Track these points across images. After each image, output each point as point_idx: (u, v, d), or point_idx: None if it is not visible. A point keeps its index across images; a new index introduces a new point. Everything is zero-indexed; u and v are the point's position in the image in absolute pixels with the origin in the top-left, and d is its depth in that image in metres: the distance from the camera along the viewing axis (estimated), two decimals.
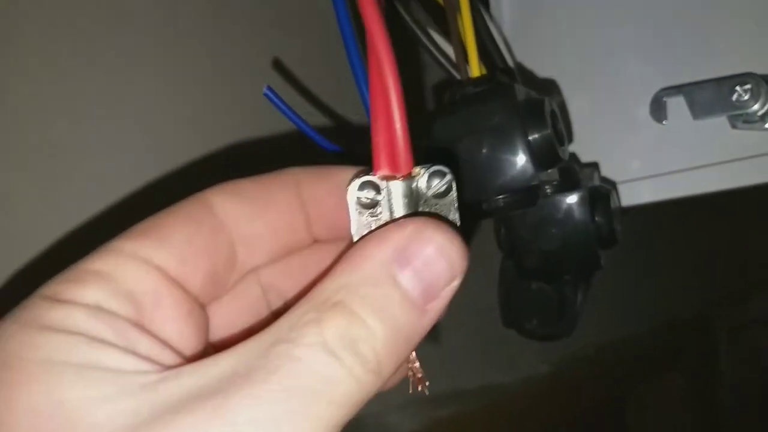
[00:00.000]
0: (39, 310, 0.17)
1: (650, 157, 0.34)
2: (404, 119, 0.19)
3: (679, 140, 0.33)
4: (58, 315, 0.16)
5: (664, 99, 0.33)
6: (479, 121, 0.28)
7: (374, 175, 0.20)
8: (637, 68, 0.35)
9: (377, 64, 0.18)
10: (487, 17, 0.34)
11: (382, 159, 0.19)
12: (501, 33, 0.34)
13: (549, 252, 0.33)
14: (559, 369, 0.67)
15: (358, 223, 0.20)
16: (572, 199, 0.32)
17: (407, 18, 0.34)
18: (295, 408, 0.15)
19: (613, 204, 0.32)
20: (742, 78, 0.30)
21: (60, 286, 0.17)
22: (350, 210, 0.20)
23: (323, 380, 0.16)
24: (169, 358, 0.18)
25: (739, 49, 0.33)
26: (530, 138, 0.27)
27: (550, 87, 0.37)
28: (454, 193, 0.20)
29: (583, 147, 0.36)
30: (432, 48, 0.34)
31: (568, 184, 0.32)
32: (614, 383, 0.75)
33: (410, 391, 0.21)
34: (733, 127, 0.32)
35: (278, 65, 0.40)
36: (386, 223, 0.19)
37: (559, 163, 0.29)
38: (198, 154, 0.37)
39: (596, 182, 0.33)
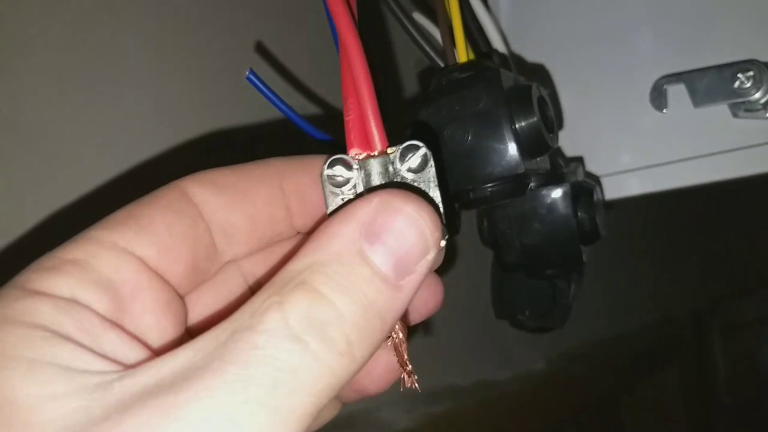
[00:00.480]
0: (6, 300, 0.16)
1: (650, 147, 0.34)
2: (372, 97, 0.18)
3: (679, 129, 0.33)
4: (22, 307, 0.16)
5: (665, 87, 0.32)
6: (465, 107, 0.27)
7: (347, 154, 0.19)
8: (636, 57, 0.35)
9: (342, 43, 0.18)
10: (478, 2, 0.33)
11: (353, 137, 0.19)
12: (494, 17, 0.33)
13: (530, 246, 0.32)
14: (554, 365, 0.67)
15: (333, 204, 0.19)
16: (555, 193, 0.31)
17: (392, 4, 0.33)
18: (253, 401, 0.14)
19: (597, 199, 0.31)
20: (744, 65, 0.30)
21: (33, 274, 0.17)
22: (324, 190, 0.19)
23: (285, 368, 0.14)
24: (137, 355, 0.17)
25: (741, 36, 0.32)
26: (517, 125, 0.27)
27: (540, 73, 0.37)
28: (431, 168, 0.19)
29: (578, 138, 0.36)
30: (417, 34, 0.33)
31: (552, 179, 0.31)
32: (610, 379, 0.75)
33: (401, 389, 0.20)
34: (735, 115, 0.32)
35: (261, 49, 0.39)
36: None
37: (547, 150, 0.29)
38: (177, 141, 0.36)
39: (580, 177, 0.32)
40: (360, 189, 0.19)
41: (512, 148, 0.27)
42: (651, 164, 0.33)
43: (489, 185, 0.27)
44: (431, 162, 0.19)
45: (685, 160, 0.32)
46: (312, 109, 0.42)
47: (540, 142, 0.27)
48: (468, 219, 0.58)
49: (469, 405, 0.57)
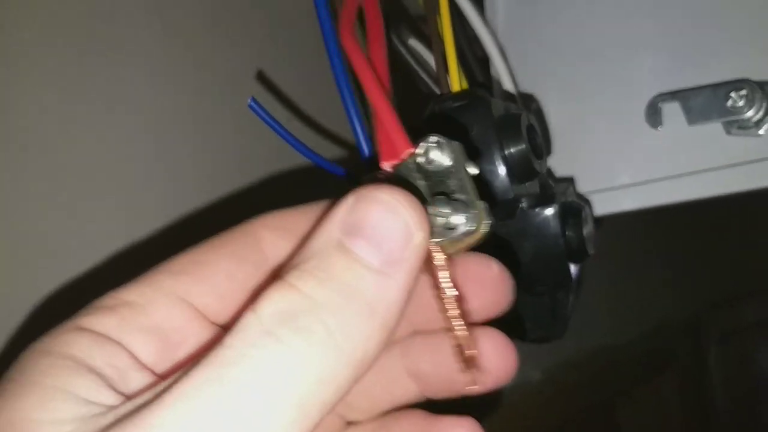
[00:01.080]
0: (56, 333, 0.17)
1: (644, 163, 0.34)
2: (384, 105, 0.20)
3: (673, 146, 0.33)
4: (65, 339, 0.17)
5: (660, 105, 0.33)
6: (457, 136, 0.28)
7: (381, 167, 0.20)
8: (633, 74, 0.35)
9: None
10: (480, 24, 0.34)
11: (383, 150, 0.20)
12: (495, 40, 0.34)
13: (521, 264, 0.32)
14: (551, 374, 0.67)
15: None
16: (545, 214, 0.32)
17: (393, 37, 0.34)
18: (225, 401, 0.13)
19: (586, 218, 0.32)
20: (737, 84, 0.30)
21: (90, 312, 0.18)
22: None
23: (254, 366, 0.14)
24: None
25: (734, 55, 0.33)
26: (506, 152, 0.29)
27: (530, 100, 0.38)
28: (452, 153, 0.19)
29: (573, 153, 0.36)
30: (412, 61, 0.34)
31: (542, 200, 0.32)
32: (606, 387, 0.75)
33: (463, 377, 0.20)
34: (728, 133, 0.32)
35: (262, 78, 0.40)
36: None
37: (536, 176, 0.30)
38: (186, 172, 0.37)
39: (570, 197, 0.33)
40: None
41: (502, 174, 0.29)
42: (645, 180, 0.34)
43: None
44: (449, 148, 0.19)
45: (679, 177, 0.33)
46: (316, 138, 0.43)
47: (528, 168, 0.29)
48: None
49: (471, 414, 0.57)
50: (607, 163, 0.35)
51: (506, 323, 0.36)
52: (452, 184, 0.19)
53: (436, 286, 0.19)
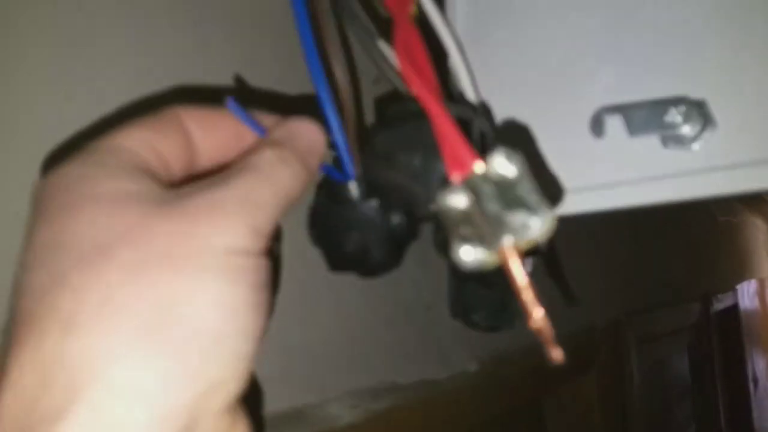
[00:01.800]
0: (94, 151, 0.24)
1: (585, 171, 0.37)
2: (449, 123, 0.25)
3: (613, 155, 0.37)
4: (111, 147, 0.23)
5: (604, 116, 0.36)
6: (415, 137, 0.30)
7: (451, 179, 0.24)
8: (581, 86, 0.38)
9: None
10: (442, 25, 0.37)
11: (449, 163, 0.24)
12: (456, 41, 0.37)
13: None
14: (486, 367, 0.71)
15: (450, 223, 0.24)
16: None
17: (358, 31, 0.36)
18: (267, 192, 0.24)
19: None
20: (677, 101, 0.34)
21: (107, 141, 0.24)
22: (445, 222, 0.24)
23: (277, 174, 0.25)
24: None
25: (677, 74, 0.36)
26: None
27: (482, 109, 0.40)
28: (514, 166, 0.23)
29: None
30: (379, 61, 0.36)
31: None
32: (536, 382, 0.79)
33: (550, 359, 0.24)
34: (665, 146, 0.36)
35: (240, 83, 0.41)
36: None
37: None
38: None
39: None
40: (468, 204, 0.24)
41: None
42: (585, 186, 0.37)
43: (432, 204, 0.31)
44: (515, 158, 0.23)
45: (616, 185, 0.36)
46: None
47: None
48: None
49: (410, 402, 0.60)
50: (553, 169, 0.38)
51: (461, 311, 0.38)
52: (520, 189, 0.23)
53: (512, 276, 0.23)
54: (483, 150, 0.31)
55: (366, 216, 0.33)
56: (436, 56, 0.36)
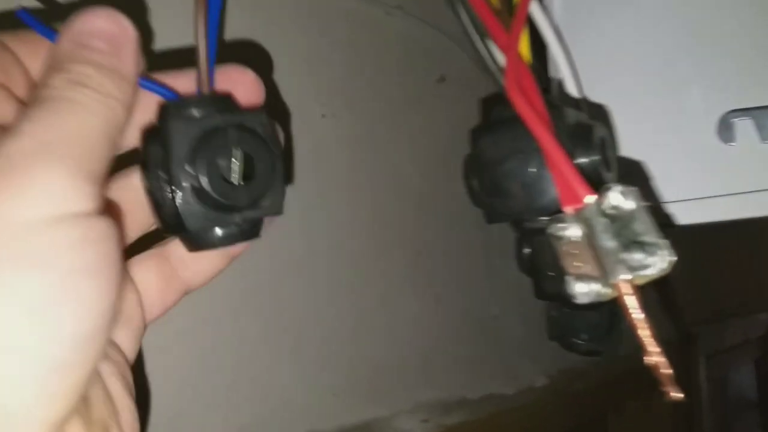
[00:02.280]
0: None
1: (713, 178, 0.34)
2: (563, 157, 0.24)
3: (744, 162, 0.33)
4: None
5: (732, 120, 0.33)
6: (528, 141, 0.27)
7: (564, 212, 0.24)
8: (703, 88, 0.35)
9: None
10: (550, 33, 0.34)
11: (563, 197, 0.24)
12: (566, 49, 0.34)
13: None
14: (555, 381, 0.68)
15: (564, 255, 0.24)
16: None
17: (467, 26, 0.34)
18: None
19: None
20: None
21: None
22: (558, 252, 0.24)
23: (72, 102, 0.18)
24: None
25: None
26: (577, 162, 0.28)
27: (600, 113, 0.37)
28: (633, 203, 0.22)
29: (640, 164, 0.36)
30: (488, 60, 0.33)
31: None
32: (604, 398, 0.76)
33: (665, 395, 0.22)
34: None
35: None
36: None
37: None
38: None
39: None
40: (580, 236, 0.23)
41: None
42: (713, 195, 0.34)
43: (545, 218, 0.28)
44: (630, 197, 0.22)
45: (748, 193, 0.33)
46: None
47: (598, 181, 0.28)
48: (483, 235, 0.58)
49: (479, 417, 0.57)
50: (675, 176, 0.35)
51: (560, 333, 0.35)
52: (637, 225, 0.22)
53: (627, 311, 0.22)
54: (604, 155, 0.28)
55: None
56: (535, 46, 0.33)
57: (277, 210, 0.23)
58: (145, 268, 0.25)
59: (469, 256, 0.58)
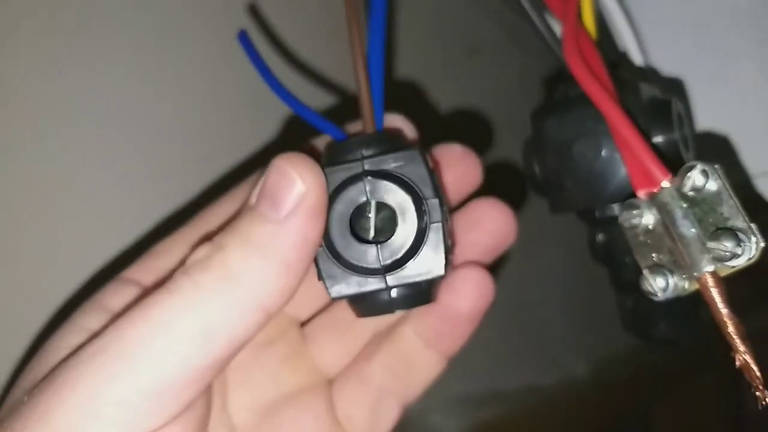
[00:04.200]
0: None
1: None
2: (639, 140, 0.21)
3: None
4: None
5: None
6: (597, 122, 0.25)
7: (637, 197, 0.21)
8: None
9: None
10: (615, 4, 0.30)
11: (636, 181, 0.21)
12: (630, 21, 0.30)
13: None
14: (594, 369, 0.65)
15: (637, 247, 0.21)
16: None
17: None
18: (156, 322, 0.18)
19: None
20: None
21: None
22: (628, 238, 0.21)
23: (171, 292, 0.18)
24: None
25: None
26: (654, 141, 0.25)
27: (675, 86, 0.34)
28: (716, 181, 0.20)
29: (723, 139, 0.32)
30: (547, 35, 0.30)
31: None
32: (646, 387, 0.73)
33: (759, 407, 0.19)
34: None
35: (254, 13, 0.36)
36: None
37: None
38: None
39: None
40: (655, 223, 0.21)
41: None
42: None
43: (618, 205, 0.26)
44: (715, 174, 0.19)
45: None
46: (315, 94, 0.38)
47: (676, 161, 0.26)
48: (519, 216, 0.55)
49: (515, 410, 0.55)
50: (761, 147, 0.31)
51: (637, 323, 0.33)
52: (723, 210, 0.19)
53: (713, 307, 0.20)
54: (681, 132, 0.25)
55: None
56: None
57: (436, 271, 0.20)
58: None
59: None
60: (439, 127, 0.48)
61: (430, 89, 0.47)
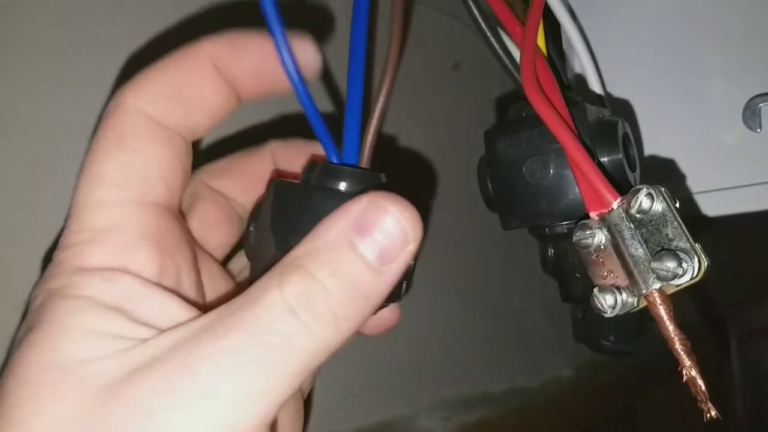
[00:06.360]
0: (60, 277, 0.19)
1: (741, 167, 0.32)
2: (589, 164, 0.22)
3: None
4: (75, 282, 0.19)
5: (760, 105, 0.31)
6: (546, 142, 0.26)
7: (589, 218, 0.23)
8: (727, 73, 0.33)
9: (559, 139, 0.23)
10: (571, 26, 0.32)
11: (588, 204, 0.23)
12: (587, 45, 0.32)
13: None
14: (580, 372, 0.66)
15: (591, 264, 0.22)
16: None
17: (478, 18, 0.32)
18: (251, 359, 0.17)
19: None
20: None
21: (77, 247, 0.19)
22: (581, 255, 0.23)
23: (280, 334, 0.18)
24: (176, 316, 0.20)
25: None
26: (599, 161, 0.26)
27: (623, 108, 0.35)
28: (660, 204, 0.21)
29: (657, 154, 0.34)
30: (504, 55, 0.32)
31: None
32: (631, 387, 0.74)
33: (704, 420, 0.21)
34: None
35: None
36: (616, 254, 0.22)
37: (628, 189, 0.28)
38: None
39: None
40: (606, 243, 0.22)
41: None
42: (742, 185, 0.32)
43: (566, 222, 0.27)
44: (659, 198, 0.21)
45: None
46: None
47: (622, 181, 0.27)
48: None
49: (503, 413, 0.56)
50: (700, 167, 0.33)
51: (587, 334, 0.34)
52: (667, 231, 0.21)
53: (660, 323, 0.21)
54: (626, 154, 0.26)
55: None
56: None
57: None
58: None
59: (488, 248, 0.57)
60: (420, 138, 0.49)
61: (412, 102, 0.49)
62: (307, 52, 0.22)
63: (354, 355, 0.44)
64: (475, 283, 0.55)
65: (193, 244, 0.23)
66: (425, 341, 0.50)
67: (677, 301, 0.21)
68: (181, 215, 0.23)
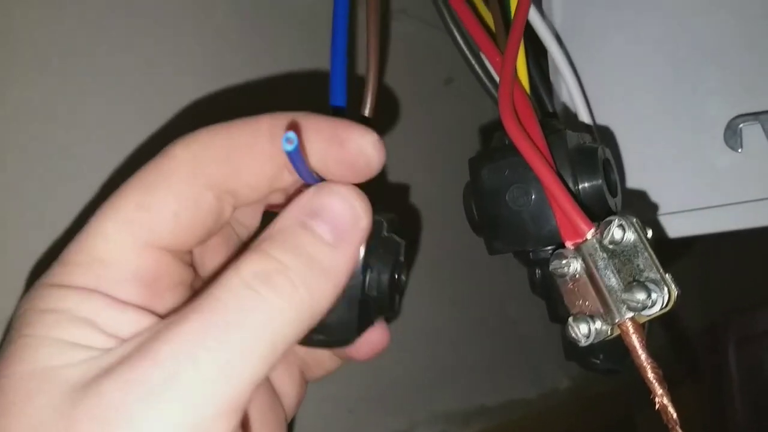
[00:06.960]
0: (42, 293, 0.20)
1: (723, 187, 0.33)
2: (564, 195, 0.23)
3: (754, 169, 0.32)
4: (56, 296, 0.20)
5: (740, 126, 0.32)
6: (528, 170, 0.26)
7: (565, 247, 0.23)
8: (708, 94, 0.34)
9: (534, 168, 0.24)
10: (553, 44, 0.33)
11: (564, 233, 0.23)
12: (573, 68, 0.33)
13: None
14: (578, 384, 0.66)
15: (565, 292, 0.23)
16: None
17: (461, 44, 0.33)
18: (211, 338, 0.17)
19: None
20: None
21: (65, 266, 0.20)
22: (557, 283, 0.23)
23: (239, 310, 0.18)
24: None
25: None
26: (580, 187, 0.27)
27: (603, 134, 0.36)
28: (632, 235, 0.21)
29: (642, 174, 0.35)
30: (488, 82, 0.32)
31: None
32: (629, 397, 0.75)
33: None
34: None
35: None
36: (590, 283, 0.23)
37: (609, 215, 0.28)
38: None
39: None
40: (581, 272, 0.23)
41: None
42: (724, 203, 0.32)
43: (550, 247, 0.28)
44: (632, 227, 0.21)
45: (760, 201, 0.32)
46: None
47: (602, 206, 0.27)
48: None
49: (501, 426, 0.56)
50: (683, 186, 0.33)
51: (576, 353, 0.34)
52: (639, 261, 0.21)
53: (634, 353, 0.22)
54: (607, 179, 0.27)
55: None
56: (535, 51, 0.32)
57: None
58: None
59: (483, 260, 0.57)
60: (412, 150, 0.50)
61: (405, 115, 0.50)
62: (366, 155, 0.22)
63: (349, 369, 0.45)
64: (470, 294, 0.55)
65: (191, 286, 0.23)
66: (421, 354, 0.51)
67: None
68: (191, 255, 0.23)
